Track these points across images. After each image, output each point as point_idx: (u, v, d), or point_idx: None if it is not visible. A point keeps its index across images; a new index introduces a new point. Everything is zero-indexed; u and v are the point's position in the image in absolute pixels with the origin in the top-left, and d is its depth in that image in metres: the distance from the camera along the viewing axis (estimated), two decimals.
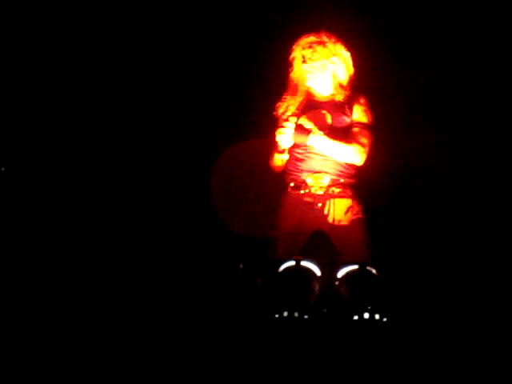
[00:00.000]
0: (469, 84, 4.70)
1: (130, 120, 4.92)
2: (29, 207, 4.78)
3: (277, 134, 3.90)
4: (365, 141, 3.96)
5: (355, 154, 3.93)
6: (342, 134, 3.97)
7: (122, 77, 4.91)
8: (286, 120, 3.90)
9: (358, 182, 4.05)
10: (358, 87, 4.06)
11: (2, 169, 4.75)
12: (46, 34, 4.84)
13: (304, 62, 3.98)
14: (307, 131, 3.92)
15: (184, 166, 4.93)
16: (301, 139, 3.91)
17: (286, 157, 3.98)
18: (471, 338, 3.55)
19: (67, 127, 4.91)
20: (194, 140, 4.92)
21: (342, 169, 3.99)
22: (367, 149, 3.97)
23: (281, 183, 4.10)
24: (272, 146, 4.01)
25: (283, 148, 3.92)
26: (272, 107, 4.11)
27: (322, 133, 3.92)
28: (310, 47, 3.96)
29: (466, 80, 4.70)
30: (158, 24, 4.88)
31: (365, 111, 4.01)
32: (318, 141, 3.91)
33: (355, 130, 3.97)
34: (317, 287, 3.49)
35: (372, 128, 4.01)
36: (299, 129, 3.91)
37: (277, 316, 3.39)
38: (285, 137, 3.89)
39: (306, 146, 3.98)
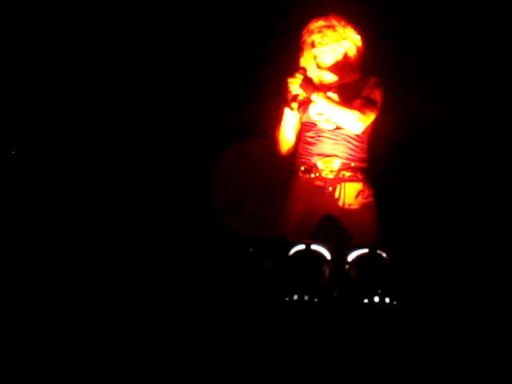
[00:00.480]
0: (480, 57, 4.67)
1: (132, 121, 4.92)
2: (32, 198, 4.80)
3: (289, 83, 3.84)
4: (367, 112, 3.92)
5: (355, 120, 3.88)
6: None
7: (123, 76, 4.90)
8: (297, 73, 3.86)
9: (368, 166, 4.03)
10: (368, 69, 4.04)
11: (13, 152, 4.77)
12: (46, 33, 4.84)
13: (314, 46, 3.96)
14: (314, 87, 3.88)
15: (184, 166, 4.92)
16: (307, 92, 3.87)
17: (294, 118, 3.94)
18: (479, 323, 3.55)
19: (68, 127, 4.91)
20: (195, 140, 4.92)
21: (352, 153, 3.98)
22: (368, 120, 3.92)
23: (290, 168, 4.09)
24: (277, 122, 3.99)
25: (294, 99, 3.85)
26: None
27: (325, 94, 3.88)
28: (319, 32, 3.95)
29: (477, 55, 4.67)
30: (156, 15, 4.86)
31: (373, 90, 3.98)
32: (320, 100, 3.88)
33: (359, 101, 3.95)
34: (327, 271, 3.50)
35: (377, 106, 3.97)
36: (307, 84, 3.87)
37: (287, 299, 3.40)
38: (295, 86, 3.84)
39: (316, 129, 3.97)
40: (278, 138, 4.06)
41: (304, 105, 3.92)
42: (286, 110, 3.92)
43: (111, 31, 4.87)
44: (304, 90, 3.86)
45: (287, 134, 4.03)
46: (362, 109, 3.91)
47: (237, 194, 4.80)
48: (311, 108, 3.97)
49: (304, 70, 3.93)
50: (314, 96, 3.85)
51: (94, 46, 4.89)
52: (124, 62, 4.91)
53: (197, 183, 4.81)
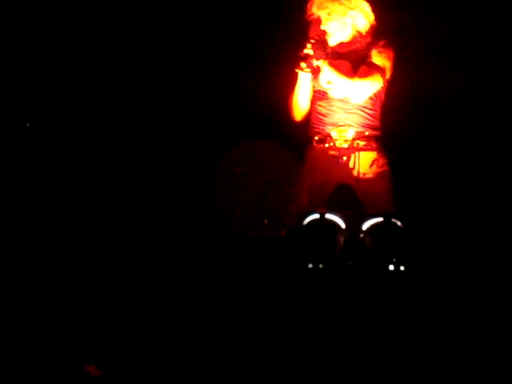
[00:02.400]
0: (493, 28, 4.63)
1: (132, 121, 4.91)
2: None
3: (304, 50, 3.77)
4: (370, 79, 3.87)
5: (357, 90, 3.86)
6: None
7: (125, 76, 4.89)
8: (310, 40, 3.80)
9: (382, 134, 4.01)
10: (379, 32, 3.99)
11: (27, 124, 4.78)
12: (46, 34, 4.81)
13: (321, 23, 3.91)
14: (325, 54, 3.84)
15: (185, 167, 4.92)
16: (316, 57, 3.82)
17: (307, 82, 3.90)
18: (490, 292, 3.54)
19: (70, 128, 4.91)
20: (195, 140, 4.91)
21: (366, 121, 3.96)
22: (371, 88, 3.88)
23: (304, 137, 4.08)
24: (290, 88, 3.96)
25: (304, 59, 3.78)
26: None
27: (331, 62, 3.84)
28: (325, 7, 3.89)
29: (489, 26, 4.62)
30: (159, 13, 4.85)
31: (381, 53, 3.95)
32: (325, 67, 3.82)
33: (364, 68, 3.91)
34: (341, 239, 3.50)
35: (384, 71, 3.92)
36: (320, 48, 3.81)
37: (302, 268, 3.40)
38: (308, 48, 3.76)
39: (328, 98, 3.95)
40: (291, 103, 4.02)
41: (316, 72, 3.89)
42: (299, 73, 3.88)
43: (109, 27, 4.85)
44: (315, 54, 3.80)
45: (301, 99, 3.99)
46: (365, 76, 3.88)
47: (239, 195, 4.80)
48: (321, 76, 3.94)
49: (323, 33, 3.89)
50: (320, 63, 3.82)
51: (90, 45, 4.87)
52: (126, 61, 4.88)
53: (198, 183, 4.81)
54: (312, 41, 3.77)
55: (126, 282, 4.27)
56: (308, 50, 3.76)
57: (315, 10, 3.92)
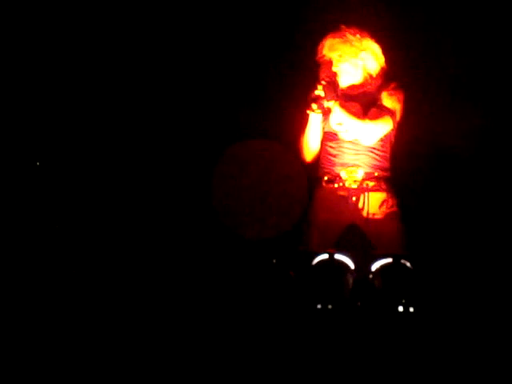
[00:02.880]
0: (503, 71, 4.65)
1: (133, 121, 4.94)
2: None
3: (316, 92, 3.81)
4: (381, 122, 3.91)
5: (367, 132, 3.88)
6: None
7: (125, 76, 4.93)
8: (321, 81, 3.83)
9: (392, 175, 4.02)
10: (389, 75, 4.02)
11: (37, 163, 4.80)
12: (46, 34, 4.85)
13: (333, 64, 3.94)
14: (336, 95, 3.86)
15: (185, 167, 4.94)
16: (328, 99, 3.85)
17: (318, 123, 3.92)
18: (501, 335, 3.52)
19: (71, 128, 4.94)
20: (195, 141, 4.93)
21: (375, 162, 3.97)
22: (381, 131, 3.92)
23: (313, 176, 4.09)
24: (301, 129, 4.00)
25: (315, 100, 3.80)
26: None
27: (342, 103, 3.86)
28: (336, 49, 3.93)
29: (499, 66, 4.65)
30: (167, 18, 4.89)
31: (392, 96, 3.98)
32: (336, 109, 3.84)
33: (375, 111, 3.95)
34: (350, 280, 3.49)
35: (394, 114, 3.96)
36: (331, 90, 3.84)
37: (311, 309, 3.39)
38: (319, 89, 3.79)
39: (338, 139, 3.97)
40: (301, 145, 4.05)
41: (326, 113, 3.92)
42: (310, 115, 3.91)
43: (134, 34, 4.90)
44: (326, 95, 3.84)
45: (312, 141, 4.01)
46: (375, 119, 3.91)
47: (238, 196, 4.81)
48: (332, 117, 3.97)
49: (334, 74, 3.93)
50: (331, 104, 3.85)
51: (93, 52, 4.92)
52: (129, 62, 4.91)
53: (198, 184, 4.82)
54: (323, 82, 3.80)
55: (126, 283, 4.27)
56: (319, 92, 3.79)
57: (326, 52, 3.96)
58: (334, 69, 3.94)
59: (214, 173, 4.76)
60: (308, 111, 3.85)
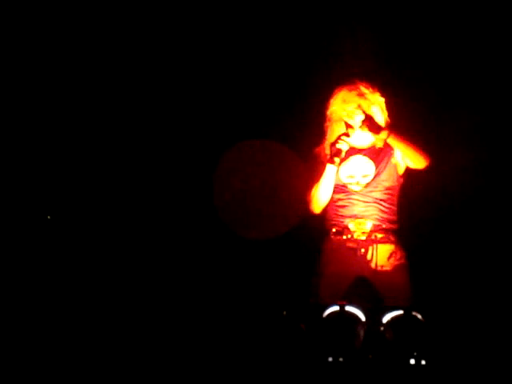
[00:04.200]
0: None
1: (132, 121, 4.97)
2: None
3: (339, 138, 3.90)
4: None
5: (424, 153, 3.94)
6: (387, 178, 4.01)
7: (126, 77, 4.97)
8: (344, 135, 3.91)
9: (400, 228, 4.04)
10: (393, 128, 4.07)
11: (48, 217, 4.81)
12: (46, 34, 4.88)
13: (348, 116, 3.97)
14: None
15: (186, 167, 4.96)
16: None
17: (334, 172, 3.96)
18: None
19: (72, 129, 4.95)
20: (196, 141, 4.96)
21: (384, 215, 3.99)
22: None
23: (321, 228, 4.10)
24: (310, 181, 4.03)
25: (338, 154, 3.90)
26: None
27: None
28: (352, 102, 3.96)
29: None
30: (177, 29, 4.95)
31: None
32: (391, 140, 3.91)
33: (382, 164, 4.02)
34: (362, 332, 3.48)
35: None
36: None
37: (322, 361, 3.38)
38: (344, 143, 3.89)
39: (347, 191, 4.00)
40: (312, 196, 4.05)
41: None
42: (328, 166, 3.95)
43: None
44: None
45: (324, 192, 4.02)
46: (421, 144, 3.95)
47: (240, 196, 4.82)
48: (341, 170, 4.00)
49: (352, 127, 3.96)
50: (385, 135, 3.90)
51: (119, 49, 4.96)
52: (132, 63, 4.96)
53: (198, 183, 4.84)
54: (346, 137, 3.87)
55: (126, 283, 4.25)
56: (342, 145, 3.85)
57: (340, 104, 3.99)
58: (350, 121, 3.98)
59: (215, 173, 4.78)
60: (329, 164, 3.91)
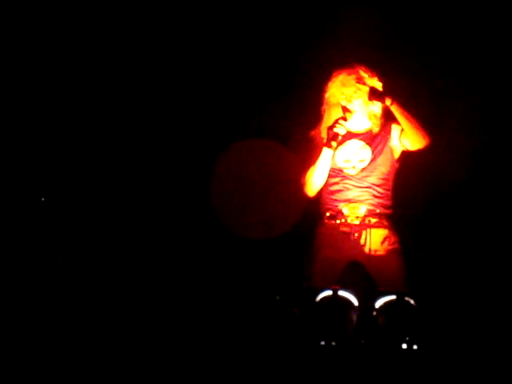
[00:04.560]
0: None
1: (132, 121, 4.96)
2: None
3: (337, 122, 3.89)
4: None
5: (424, 131, 3.93)
6: (383, 163, 4.00)
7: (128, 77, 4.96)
8: (342, 119, 3.91)
9: (394, 213, 4.04)
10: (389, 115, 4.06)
11: (42, 199, 4.80)
12: (46, 34, 4.87)
13: (346, 100, 3.97)
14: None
15: (185, 167, 4.96)
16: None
17: (330, 156, 3.94)
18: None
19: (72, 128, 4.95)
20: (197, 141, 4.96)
21: (378, 200, 3.99)
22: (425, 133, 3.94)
23: (315, 212, 4.10)
24: (305, 165, 4.03)
25: (335, 138, 3.89)
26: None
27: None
28: (351, 85, 3.95)
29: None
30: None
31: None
32: (394, 108, 3.89)
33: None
34: (354, 317, 3.49)
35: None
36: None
37: (314, 345, 3.39)
38: (342, 127, 3.89)
39: (342, 175, 4.00)
40: (307, 179, 4.03)
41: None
42: (325, 150, 3.94)
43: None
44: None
45: (320, 175, 4.00)
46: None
47: (237, 195, 4.83)
48: (338, 154, 3.99)
49: (350, 111, 3.96)
50: (389, 102, 3.88)
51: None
52: (128, 63, 4.95)
53: (196, 183, 4.84)
54: (344, 121, 3.86)
55: (126, 283, 4.26)
56: (340, 129, 3.85)
57: (338, 88, 3.98)
58: (348, 105, 3.97)
59: (212, 172, 4.78)
60: (326, 147, 3.90)
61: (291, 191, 4.42)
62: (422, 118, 3.92)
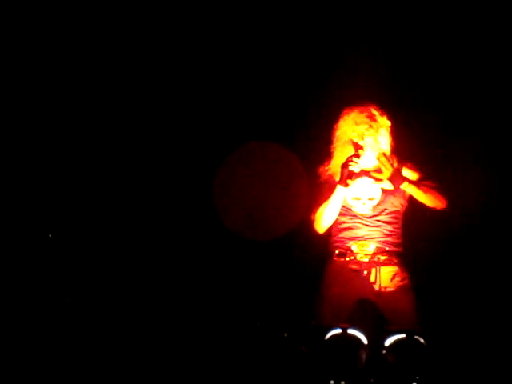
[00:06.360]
0: None
1: (132, 122, 4.98)
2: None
3: (351, 160, 3.87)
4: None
5: (441, 197, 3.96)
6: (393, 201, 4.01)
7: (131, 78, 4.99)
8: (355, 156, 3.89)
9: (403, 251, 4.02)
10: (399, 154, 4.06)
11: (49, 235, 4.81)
12: (46, 34, 4.89)
13: (358, 137, 3.96)
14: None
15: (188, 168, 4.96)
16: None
17: (343, 194, 3.92)
18: None
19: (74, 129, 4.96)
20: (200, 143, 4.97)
21: (388, 238, 3.98)
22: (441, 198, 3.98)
23: (324, 250, 4.09)
24: (313, 201, 4.02)
25: (351, 176, 3.88)
26: None
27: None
28: (362, 123, 3.96)
29: None
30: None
31: (414, 169, 4.05)
32: (409, 188, 3.92)
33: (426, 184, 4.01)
34: (363, 356, 3.46)
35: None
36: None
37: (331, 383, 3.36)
38: (356, 164, 3.87)
39: (352, 214, 3.99)
40: (318, 216, 4.01)
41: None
42: (339, 188, 3.92)
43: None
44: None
45: (332, 213, 3.98)
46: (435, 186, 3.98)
47: (240, 197, 4.82)
48: (347, 191, 3.99)
49: (362, 148, 3.95)
50: (405, 185, 3.91)
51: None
52: (139, 66, 4.99)
53: (200, 185, 4.84)
54: (357, 158, 3.86)
55: (127, 283, 4.23)
56: (355, 167, 3.84)
57: (350, 126, 3.99)
58: (360, 142, 3.96)
59: (216, 174, 4.79)
60: (341, 185, 3.89)
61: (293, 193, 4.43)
62: (438, 185, 3.93)
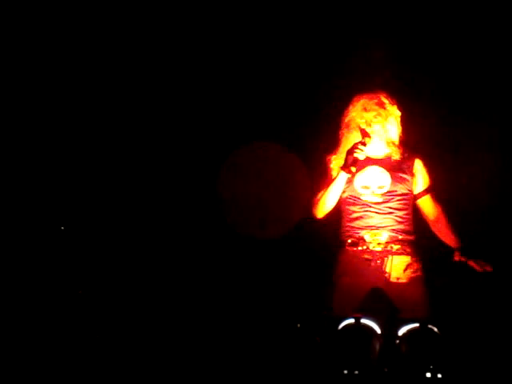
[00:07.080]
0: None
1: (132, 122, 4.99)
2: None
3: (357, 147, 3.86)
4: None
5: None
6: (402, 188, 3.98)
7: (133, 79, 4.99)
8: (361, 143, 3.88)
9: (417, 239, 4.01)
10: (407, 144, 4.06)
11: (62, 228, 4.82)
12: (46, 34, 4.89)
13: (366, 124, 3.97)
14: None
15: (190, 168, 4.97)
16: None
17: (345, 180, 3.94)
18: None
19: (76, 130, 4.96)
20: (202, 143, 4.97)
21: (400, 225, 3.96)
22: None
23: (336, 239, 4.08)
24: (318, 186, 4.03)
25: (355, 163, 3.87)
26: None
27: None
28: (371, 110, 3.96)
29: None
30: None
31: (426, 172, 4.06)
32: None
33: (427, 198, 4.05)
34: (377, 345, 3.45)
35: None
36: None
37: (337, 374, 3.35)
38: (362, 152, 3.86)
39: (362, 203, 3.97)
40: (318, 200, 4.01)
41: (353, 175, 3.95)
42: (342, 174, 3.92)
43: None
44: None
45: (332, 198, 3.98)
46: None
47: (244, 196, 4.83)
48: (356, 180, 3.98)
49: (369, 136, 3.94)
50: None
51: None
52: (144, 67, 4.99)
53: (202, 184, 4.85)
54: (363, 145, 3.84)
55: (128, 283, 4.24)
56: (360, 154, 3.82)
57: (359, 112, 3.98)
58: (367, 129, 3.95)
59: (219, 173, 4.79)
60: (344, 171, 3.88)
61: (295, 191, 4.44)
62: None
